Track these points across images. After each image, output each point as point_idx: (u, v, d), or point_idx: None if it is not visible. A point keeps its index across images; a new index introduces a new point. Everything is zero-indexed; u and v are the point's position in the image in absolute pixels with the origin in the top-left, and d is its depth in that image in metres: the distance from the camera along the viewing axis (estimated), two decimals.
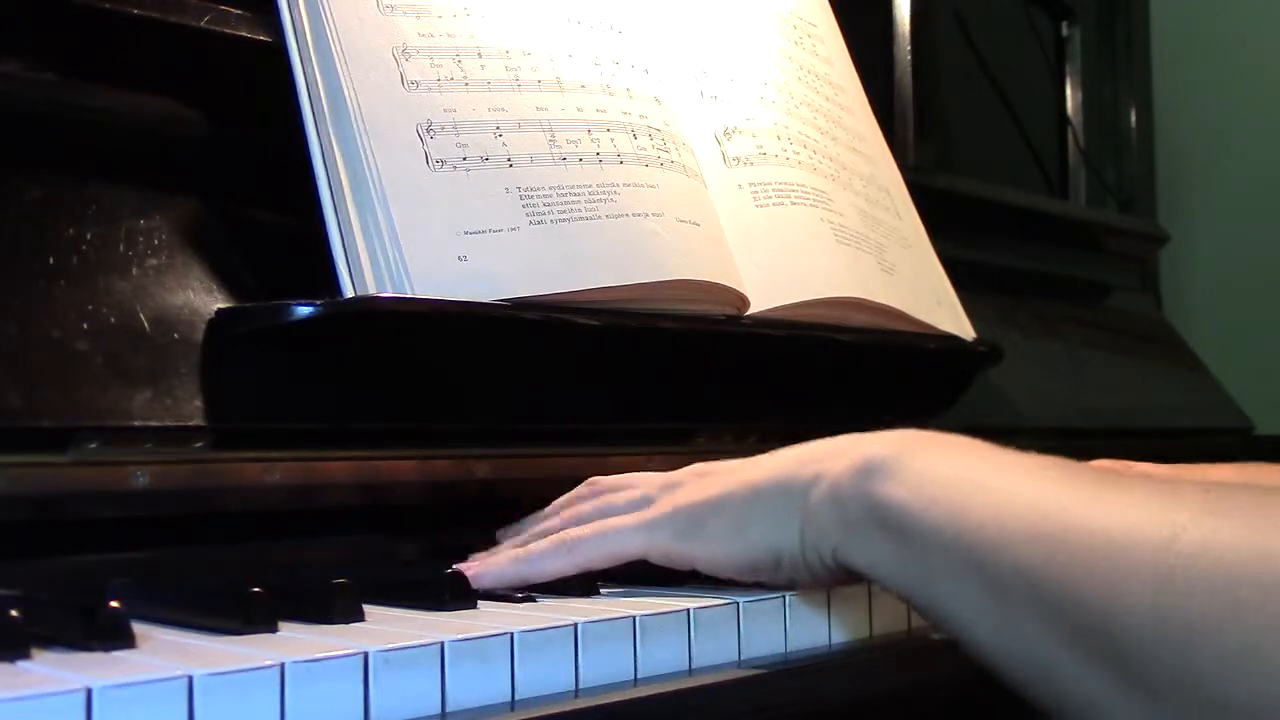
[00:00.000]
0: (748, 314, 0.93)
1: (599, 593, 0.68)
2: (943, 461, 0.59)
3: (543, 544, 0.70)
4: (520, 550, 0.71)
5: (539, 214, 0.82)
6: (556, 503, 0.77)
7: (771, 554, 0.65)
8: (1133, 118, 1.84)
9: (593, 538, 0.69)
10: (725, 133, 1.00)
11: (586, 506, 0.73)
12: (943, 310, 1.10)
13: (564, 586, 0.68)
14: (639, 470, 0.78)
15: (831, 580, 0.65)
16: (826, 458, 0.63)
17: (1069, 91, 1.77)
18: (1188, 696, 0.48)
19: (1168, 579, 0.48)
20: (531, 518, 0.77)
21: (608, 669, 0.57)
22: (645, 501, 0.70)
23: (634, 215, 0.86)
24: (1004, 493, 0.55)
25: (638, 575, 0.71)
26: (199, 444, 0.72)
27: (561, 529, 0.71)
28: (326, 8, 0.81)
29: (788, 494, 0.64)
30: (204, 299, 0.75)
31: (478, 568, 0.70)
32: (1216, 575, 0.47)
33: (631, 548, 0.68)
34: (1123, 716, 0.50)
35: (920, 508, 0.57)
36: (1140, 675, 0.49)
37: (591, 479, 0.77)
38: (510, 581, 0.68)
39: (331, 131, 0.79)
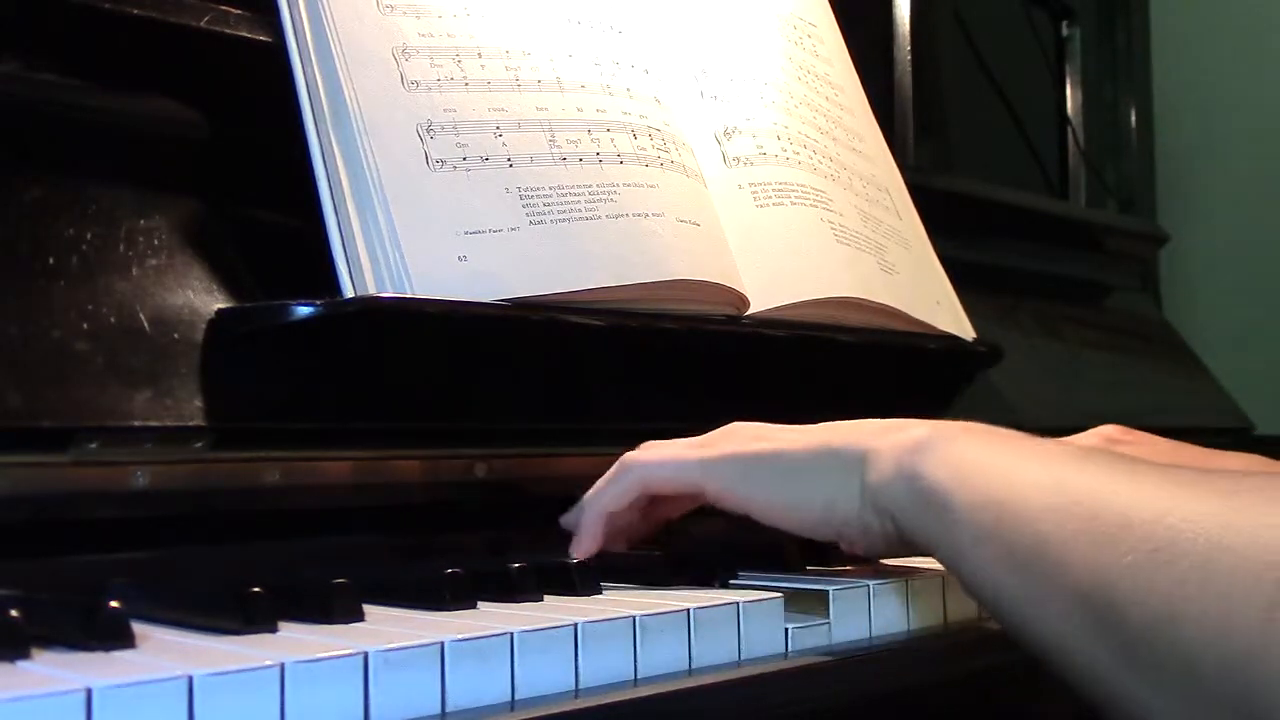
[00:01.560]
0: (748, 314, 0.93)
1: (600, 592, 0.68)
2: (979, 447, 0.64)
3: (603, 479, 0.76)
4: (593, 490, 0.76)
5: (539, 214, 0.82)
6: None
7: (824, 506, 0.70)
8: (1133, 118, 1.84)
9: (655, 462, 0.75)
10: (725, 133, 1.00)
11: (646, 459, 0.77)
12: (943, 310, 1.10)
13: (565, 586, 0.68)
14: None
15: (884, 541, 0.69)
16: (877, 434, 0.69)
17: (1069, 91, 1.77)
18: (1176, 659, 0.51)
19: (1154, 550, 0.52)
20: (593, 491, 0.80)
21: (608, 669, 0.57)
22: (700, 445, 0.75)
23: (634, 215, 0.86)
24: (1028, 474, 0.61)
25: (639, 575, 0.71)
26: (199, 444, 0.72)
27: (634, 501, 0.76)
28: (326, 8, 0.81)
29: (843, 458, 0.69)
30: (204, 299, 0.75)
31: (571, 513, 0.77)
32: (1196, 545, 0.51)
33: (688, 480, 0.74)
34: (1123, 684, 0.54)
35: (955, 485, 0.63)
36: (1131, 639, 0.53)
37: (625, 455, 0.80)
38: (594, 511, 0.75)
39: (331, 131, 0.79)
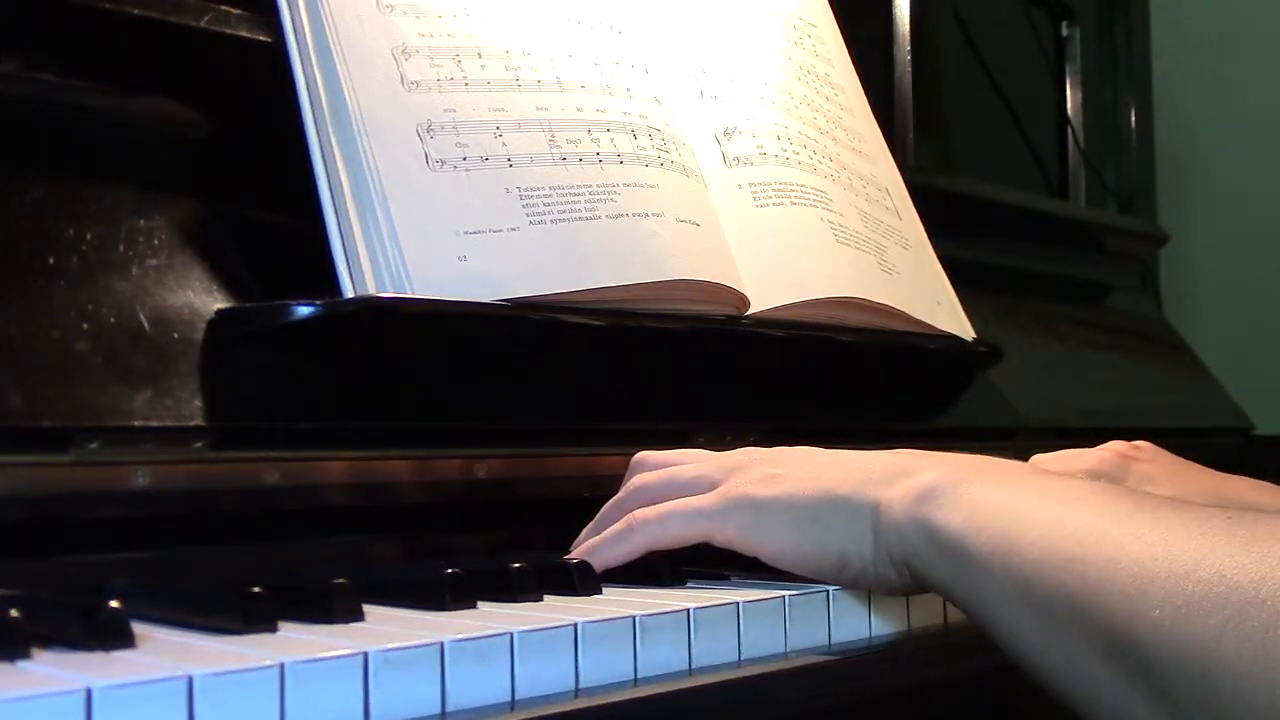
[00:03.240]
0: (748, 314, 0.93)
1: (600, 592, 0.68)
2: (991, 490, 0.63)
3: (610, 531, 0.74)
4: (594, 540, 0.74)
5: (539, 214, 0.82)
6: (625, 487, 0.78)
7: (839, 559, 0.68)
8: (1133, 118, 1.84)
9: (658, 520, 0.72)
10: (725, 133, 1.00)
11: (653, 481, 0.76)
12: (943, 310, 1.10)
13: (565, 586, 0.68)
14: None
15: (901, 589, 0.68)
16: (888, 480, 0.67)
17: (1069, 91, 1.77)
18: (1213, 708, 0.51)
19: (1185, 605, 0.52)
20: (603, 512, 0.79)
21: (608, 669, 0.57)
22: (708, 483, 0.73)
23: (634, 215, 0.86)
24: (1045, 519, 0.60)
25: (638, 575, 0.71)
26: (199, 444, 0.72)
27: (630, 510, 0.74)
28: (326, 8, 0.81)
29: (854, 508, 0.68)
30: (204, 299, 0.75)
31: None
32: (1230, 600, 0.51)
33: (697, 531, 0.72)
34: None
35: (971, 534, 0.62)
36: (1168, 693, 0.52)
37: (638, 455, 0.79)
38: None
39: (331, 131, 0.79)
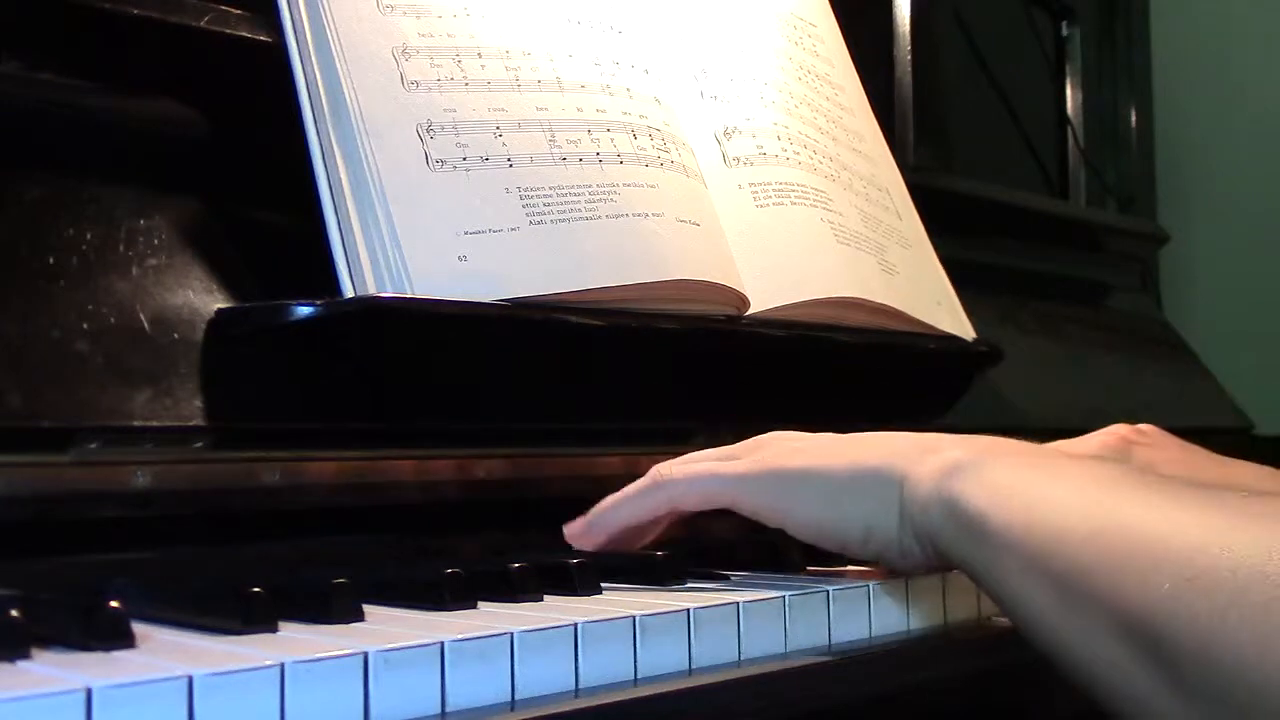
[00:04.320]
0: (747, 314, 0.93)
1: (600, 592, 0.68)
2: (1012, 468, 0.64)
3: (636, 485, 0.74)
4: (615, 497, 0.75)
5: (539, 214, 0.82)
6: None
7: (864, 530, 0.69)
8: (1133, 118, 1.84)
9: (686, 480, 0.73)
10: (725, 133, 1.00)
11: (678, 462, 0.75)
12: (943, 310, 1.10)
13: (565, 586, 0.68)
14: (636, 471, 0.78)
15: (924, 564, 0.69)
16: (915, 457, 0.68)
17: (1069, 91, 1.77)
18: (1214, 686, 0.51)
19: (1194, 578, 0.52)
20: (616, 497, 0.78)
21: (608, 669, 0.57)
22: (732, 457, 0.74)
23: (634, 215, 0.86)
24: (1064, 496, 0.61)
25: (639, 575, 0.71)
26: (199, 444, 0.72)
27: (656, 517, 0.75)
28: (326, 8, 0.81)
29: (882, 481, 0.69)
30: (204, 299, 0.75)
31: (578, 523, 0.74)
32: (1237, 575, 0.51)
33: (725, 492, 0.72)
34: (1164, 709, 0.54)
35: (993, 509, 0.63)
36: (1173, 668, 0.53)
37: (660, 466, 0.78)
38: (610, 526, 0.74)
39: (331, 131, 0.79)
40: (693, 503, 0.73)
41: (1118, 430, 0.97)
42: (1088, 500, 0.59)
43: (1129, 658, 0.55)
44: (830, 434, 0.75)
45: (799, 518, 0.71)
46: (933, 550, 0.67)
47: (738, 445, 0.76)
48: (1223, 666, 0.50)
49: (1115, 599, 0.55)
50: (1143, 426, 0.99)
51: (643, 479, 0.75)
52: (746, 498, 0.72)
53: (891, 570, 0.72)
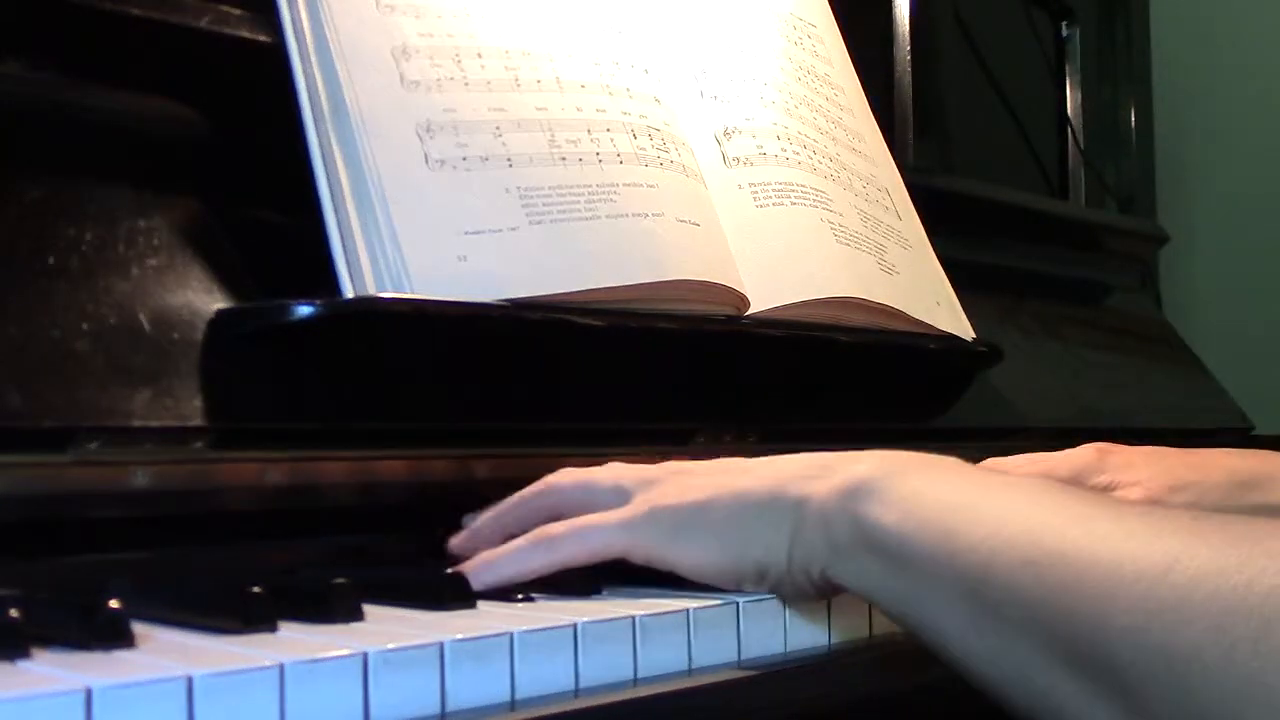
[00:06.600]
0: (747, 314, 0.93)
1: (599, 592, 0.68)
2: (931, 484, 0.59)
3: (521, 541, 0.68)
4: (499, 551, 0.69)
5: (539, 214, 0.82)
6: (534, 486, 0.74)
7: (757, 567, 0.65)
8: (1133, 118, 1.83)
9: (572, 535, 0.67)
10: (725, 133, 1.00)
11: (567, 483, 0.71)
12: (942, 310, 1.10)
13: (565, 586, 0.68)
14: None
15: (818, 596, 0.65)
16: (813, 477, 0.63)
17: (1069, 91, 1.77)
18: (1184, 712, 0.48)
19: (1160, 612, 0.49)
20: (504, 504, 0.74)
21: (608, 669, 0.57)
22: (623, 495, 0.69)
23: (634, 215, 0.86)
24: (994, 516, 0.56)
25: (638, 575, 0.71)
26: (199, 444, 0.72)
27: (540, 524, 0.69)
28: (326, 8, 0.81)
29: (774, 510, 0.64)
30: (204, 299, 0.75)
31: (465, 567, 0.68)
32: (1211, 608, 0.48)
33: (612, 547, 0.67)
34: None
35: (910, 531, 0.57)
36: (1138, 703, 0.49)
37: (555, 474, 0.73)
38: (490, 583, 0.67)
39: (331, 131, 0.79)
40: (582, 561, 0.67)
41: (1094, 446, 0.94)
42: (1023, 520, 0.54)
43: (1083, 690, 0.51)
44: (726, 459, 0.69)
45: (689, 561, 0.65)
46: (825, 583, 0.62)
47: (637, 474, 0.70)
48: (1200, 700, 0.47)
49: (1062, 630, 0.51)
50: (1115, 446, 0.96)
51: (524, 539, 0.68)
52: (636, 546, 0.66)
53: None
